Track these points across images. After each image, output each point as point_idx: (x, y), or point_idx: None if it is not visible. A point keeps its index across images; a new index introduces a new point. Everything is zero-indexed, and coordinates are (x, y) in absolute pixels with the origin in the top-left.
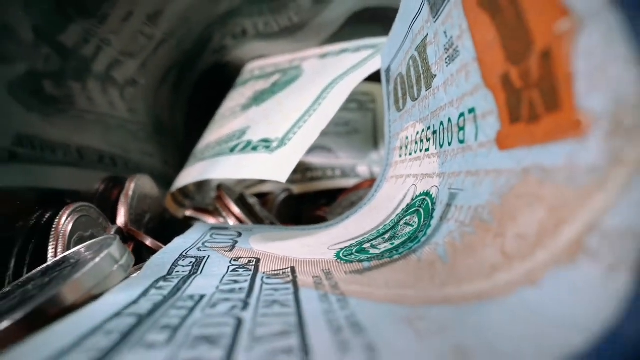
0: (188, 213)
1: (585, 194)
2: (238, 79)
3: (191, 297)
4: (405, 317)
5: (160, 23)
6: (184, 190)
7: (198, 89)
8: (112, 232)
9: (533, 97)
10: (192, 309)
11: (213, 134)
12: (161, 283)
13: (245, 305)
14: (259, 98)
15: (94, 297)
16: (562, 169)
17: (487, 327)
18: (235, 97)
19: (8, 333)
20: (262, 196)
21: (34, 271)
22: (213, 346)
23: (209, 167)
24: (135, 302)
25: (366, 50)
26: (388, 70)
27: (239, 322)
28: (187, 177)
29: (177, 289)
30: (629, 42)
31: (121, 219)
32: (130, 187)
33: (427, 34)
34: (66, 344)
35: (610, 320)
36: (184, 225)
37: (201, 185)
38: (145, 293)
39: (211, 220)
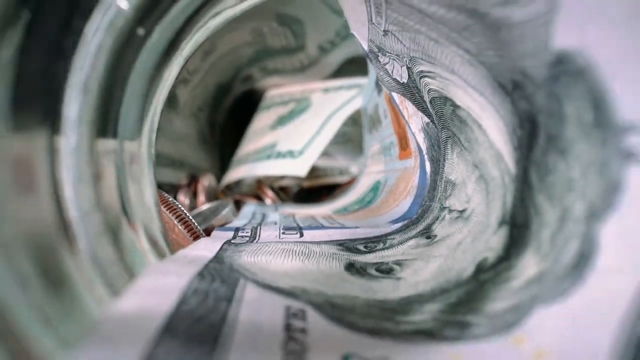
0: (237, 197)
1: (410, 176)
2: (261, 104)
3: (272, 221)
4: (356, 221)
5: (209, 59)
6: (228, 185)
7: (231, 110)
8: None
9: (402, 142)
10: (275, 222)
11: (249, 145)
12: (253, 219)
13: (295, 221)
14: (281, 122)
15: (225, 224)
16: (408, 167)
17: (379, 219)
18: (263, 119)
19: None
20: (281, 189)
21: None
22: (293, 223)
23: (252, 168)
24: (249, 222)
25: (355, 89)
26: (365, 108)
27: (297, 223)
28: (236, 174)
29: (262, 220)
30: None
31: (202, 200)
32: (205, 180)
33: (378, 102)
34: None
35: (406, 208)
36: None
37: (238, 181)
38: (250, 221)
39: (253, 201)
